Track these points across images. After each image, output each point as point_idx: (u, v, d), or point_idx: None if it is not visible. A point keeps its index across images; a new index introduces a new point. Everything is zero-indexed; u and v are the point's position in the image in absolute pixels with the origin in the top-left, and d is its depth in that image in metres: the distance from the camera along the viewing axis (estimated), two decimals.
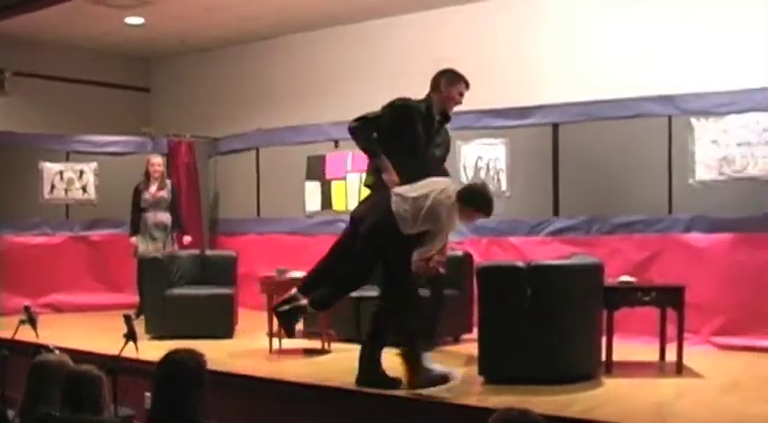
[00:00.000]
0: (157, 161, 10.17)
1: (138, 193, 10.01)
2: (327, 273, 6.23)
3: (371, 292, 6.61)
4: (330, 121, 10.23)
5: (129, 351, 5.31)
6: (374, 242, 5.89)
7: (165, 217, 10.01)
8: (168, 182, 10.21)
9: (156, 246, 9.82)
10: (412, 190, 5.82)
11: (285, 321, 6.26)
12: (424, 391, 5.67)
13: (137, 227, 10.00)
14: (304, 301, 6.15)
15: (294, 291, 6.26)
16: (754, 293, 7.59)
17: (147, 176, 10.05)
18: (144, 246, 9.85)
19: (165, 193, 10.03)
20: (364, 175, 6.62)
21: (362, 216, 6.03)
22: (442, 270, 6.36)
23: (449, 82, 6.39)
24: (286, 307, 6.19)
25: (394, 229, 5.73)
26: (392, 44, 10.32)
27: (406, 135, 6.20)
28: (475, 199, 5.88)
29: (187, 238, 10.35)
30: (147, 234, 9.92)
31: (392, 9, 10.07)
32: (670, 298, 6.66)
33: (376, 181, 6.23)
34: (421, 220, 5.72)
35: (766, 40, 7.75)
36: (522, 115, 8.99)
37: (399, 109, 6.24)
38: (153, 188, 10.00)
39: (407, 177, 6.01)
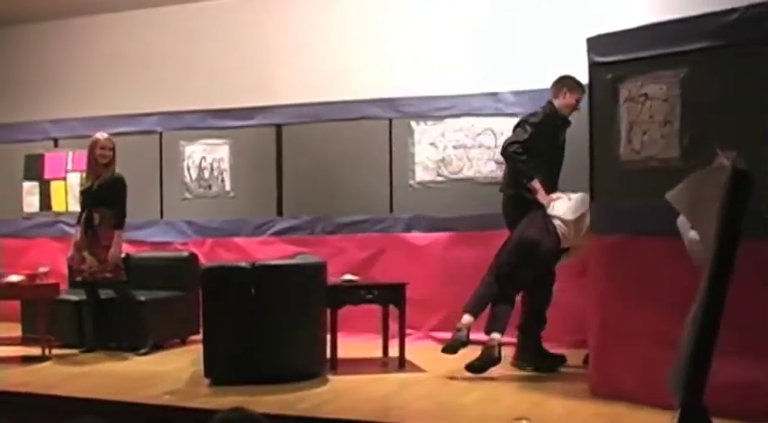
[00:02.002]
0: None
1: None
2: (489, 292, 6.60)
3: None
4: (49, 118, 9.73)
5: None
6: (538, 256, 6.45)
7: None
8: None
9: None
10: (569, 211, 6.43)
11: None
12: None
13: None
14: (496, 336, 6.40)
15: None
16: (469, 289, 7.88)
17: None
18: None
19: None
20: None
21: (526, 236, 6.53)
22: None
23: (570, 90, 6.64)
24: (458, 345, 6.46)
25: (557, 246, 6.47)
26: (107, 41, 9.89)
27: (548, 148, 6.50)
28: None
29: None
30: None
31: (125, 4, 9.63)
32: (391, 295, 6.80)
33: (515, 193, 6.70)
34: (581, 237, 6.32)
35: (481, 48, 8.09)
36: (246, 116, 8.93)
37: (542, 125, 6.54)
38: None
39: (549, 188, 6.55)
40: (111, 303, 7.58)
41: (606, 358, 5.47)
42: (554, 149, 6.69)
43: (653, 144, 5.22)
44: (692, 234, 3.54)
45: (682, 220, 3.67)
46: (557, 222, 6.43)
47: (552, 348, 6.88)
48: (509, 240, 6.69)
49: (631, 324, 5.24)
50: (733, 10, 4.90)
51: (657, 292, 5.06)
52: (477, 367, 6.27)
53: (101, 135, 7.68)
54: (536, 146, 6.51)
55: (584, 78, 5.79)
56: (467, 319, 6.49)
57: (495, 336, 6.35)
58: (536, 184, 6.53)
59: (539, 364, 6.56)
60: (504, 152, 6.68)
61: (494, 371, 6.28)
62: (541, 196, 6.53)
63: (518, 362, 6.66)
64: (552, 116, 6.63)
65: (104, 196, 7.48)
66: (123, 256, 7.80)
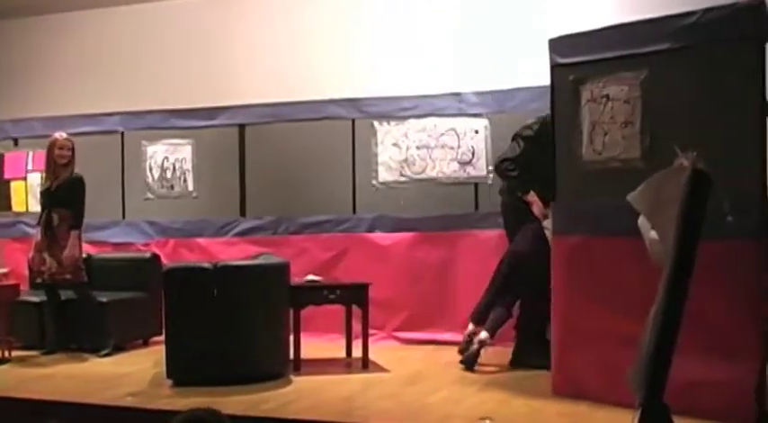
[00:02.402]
0: None
1: None
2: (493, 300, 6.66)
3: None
4: (10, 118, 9.62)
5: None
6: (531, 270, 6.36)
7: None
8: None
9: None
10: None
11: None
12: None
13: None
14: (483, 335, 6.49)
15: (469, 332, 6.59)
16: (432, 290, 7.96)
17: None
18: None
19: None
20: None
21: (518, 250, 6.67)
22: None
23: None
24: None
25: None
26: (69, 40, 9.79)
27: (546, 160, 6.16)
28: None
29: None
30: None
31: (88, 2, 9.52)
32: (355, 296, 6.80)
33: (510, 201, 6.83)
34: None
35: (444, 49, 8.11)
36: (208, 116, 8.88)
37: (538, 138, 6.46)
38: None
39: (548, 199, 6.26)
40: (72, 304, 7.52)
41: (569, 358, 5.50)
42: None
43: (614, 145, 5.27)
44: (653, 234, 3.58)
45: (643, 221, 3.71)
46: (547, 233, 6.39)
47: None
48: (506, 252, 6.82)
49: (593, 324, 5.28)
50: (692, 12, 4.96)
51: (619, 292, 5.11)
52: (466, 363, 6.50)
53: (59, 135, 7.61)
54: (531, 159, 6.52)
55: (546, 79, 5.82)
56: (471, 328, 6.60)
57: (483, 335, 6.47)
58: (531, 196, 6.58)
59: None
60: (496, 169, 6.80)
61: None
62: (537, 209, 6.57)
63: (514, 362, 6.66)
64: (549, 127, 6.63)
65: (63, 197, 7.41)
66: (84, 256, 7.73)
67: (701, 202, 3.28)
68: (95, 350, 7.35)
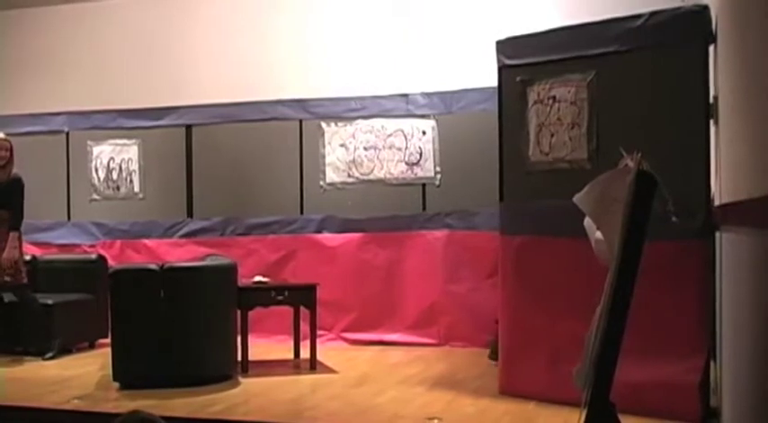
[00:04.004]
0: None
1: None
2: None
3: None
4: None
5: None
6: None
7: None
8: None
9: None
10: None
11: None
12: None
13: None
14: None
15: None
16: (380, 291, 7.97)
17: None
18: None
19: None
20: None
21: None
22: None
23: None
24: None
25: None
26: (13, 38, 9.63)
27: None
28: None
29: None
30: None
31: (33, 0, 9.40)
32: (303, 297, 6.80)
33: None
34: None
35: (392, 50, 8.12)
36: (155, 116, 8.82)
37: None
38: None
39: None
40: (16, 307, 7.40)
41: (515, 357, 5.54)
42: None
43: (561, 146, 5.32)
44: (599, 235, 3.62)
45: (588, 222, 3.74)
46: None
47: (466, 346, 6.96)
48: None
49: (539, 322, 5.33)
50: (638, 16, 5.03)
51: (565, 292, 5.17)
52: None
53: None
54: None
55: (493, 81, 5.86)
56: None
57: None
58: None
59: None
60: None
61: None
62: None
63: (493, 355, 6.61)
64: None
65: (2, 198, 7.28)
66: (29, 258, 7.62)
67: (645, 202, 3.31)
68: (40, 353, 7.25)
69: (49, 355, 7.23)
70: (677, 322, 4.79)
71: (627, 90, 5.10)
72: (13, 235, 7.24)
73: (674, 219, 3.60)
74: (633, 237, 3.32)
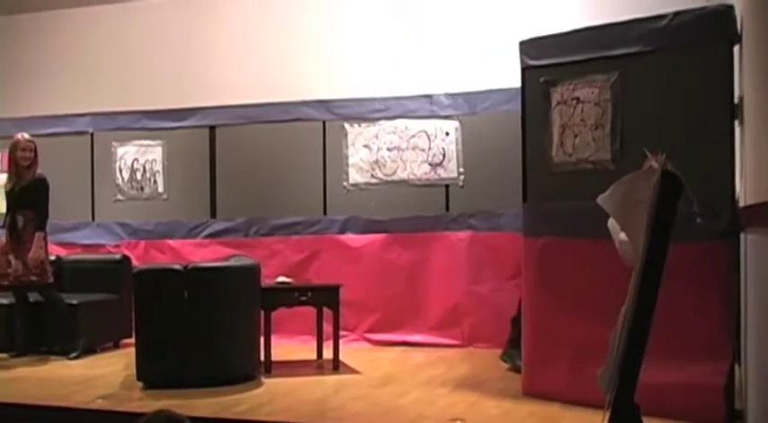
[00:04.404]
0: None
1: None
2: None
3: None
4: None
5: None
6: None
7: None
8: None
9: None
10: None
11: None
12: None
13: None
14: None
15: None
16: (404, 291, 7.97)
17: None
18: None
19: None
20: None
21: None
22: None
23: None
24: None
25: None
26: (39, 40, 9.72)
27: None
28: None
29: None
30: None
31: (57, 2, 9.43)
32: (326, 297, 6.80)
33: None
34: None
35: (416, 51, 8.12)
36: (179, 117, 8.86)
37: None
38: None
39: None
40: (41, 307, 7.45)
41: (539, 358, 5.52)
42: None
43: (585, 147, 5.30)
44: (623, 236, 3.60)
45: (612, 223, 3.73)
46: None
47: (489, 348, 6.94)
48: None
49: (563, 324, 5.31)
50: (662, 16, 5.01)
51: (589, 293, 5.14)
52: None
53: (21, 136, 7.53)
54: None
55: (516, 82, 5.84)
56: None
57: None
58: None
59: None
60: None
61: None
62: None
63: (504, 355, 6.65)
64: None
65: (27, 198, 7.35)
66: (54, 258, 7.68)
67: (670, 203, 3.30)
68: (65, 352, 7.30)
69: (74, 354, 7.28)
70: (702, 324, 4.75)
71: (651, 91, 5.07)
72: (38, 235, 7.29)
73: (698, 220, 3.57)
74: (658, 238, 3.31)
